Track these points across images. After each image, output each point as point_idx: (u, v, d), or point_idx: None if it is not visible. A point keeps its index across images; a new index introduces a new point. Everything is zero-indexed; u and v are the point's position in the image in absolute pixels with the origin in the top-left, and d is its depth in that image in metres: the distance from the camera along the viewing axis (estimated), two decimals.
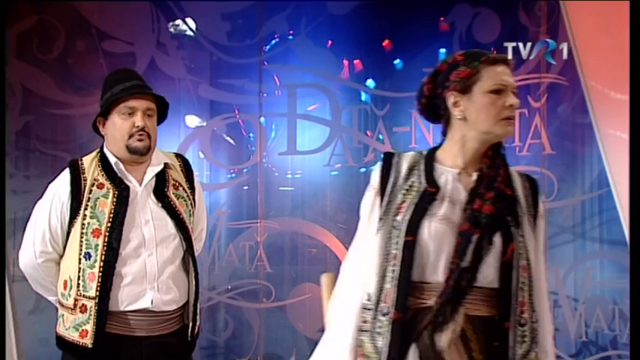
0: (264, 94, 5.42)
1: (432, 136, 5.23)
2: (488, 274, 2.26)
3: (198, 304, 3.09)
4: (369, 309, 2.31)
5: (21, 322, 4.35)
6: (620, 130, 4.71)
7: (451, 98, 2.32)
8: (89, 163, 3.03)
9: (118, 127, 2.98)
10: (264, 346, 5.34)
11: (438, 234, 2.26)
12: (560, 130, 5.10)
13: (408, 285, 2.25)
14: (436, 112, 2.40)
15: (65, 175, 3.02)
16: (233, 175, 5.56)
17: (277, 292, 5.35)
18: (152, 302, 2.96)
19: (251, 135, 5.48)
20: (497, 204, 2.26)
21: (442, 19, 5.22)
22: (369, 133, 5.36)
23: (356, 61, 5.35)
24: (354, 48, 5.35)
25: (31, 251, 3.03)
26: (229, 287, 5.40)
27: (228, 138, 5.51)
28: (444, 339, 2.21)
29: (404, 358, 2.24)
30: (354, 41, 5.33)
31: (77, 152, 4.75)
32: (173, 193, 3.06)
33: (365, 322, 2.32)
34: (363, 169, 5.38)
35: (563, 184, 5.07)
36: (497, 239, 2.25)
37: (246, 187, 5.49)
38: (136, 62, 5.28)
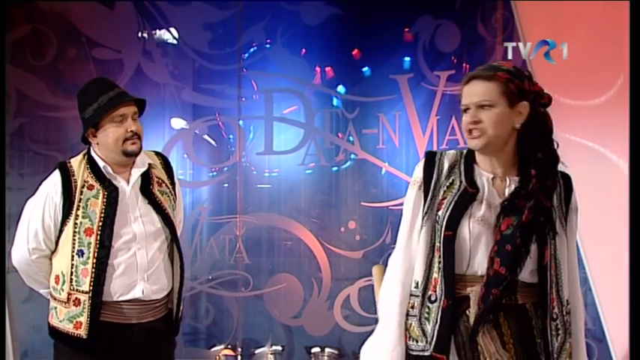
0: (243, 99, 5.42)
1: (397, 138, 5.28)
2: (523, 271, 2.27)
3: (182, 291, 3.11)
4: (416, 295, 2.32)
5: (15, 310, 4.31)
6: (569, 133, 4.77)
7: None
8: (77, 165, 3.01)
9: (112, 135, 2.96)
10: (242, 331, 5.34)
11: (475, 233, 2.27)
12: None
13: (454, 276, 2.27)
14: None
15: (56, 177, 2.99)
16: (214, 173, 5.57)
17: (255, 281, 5.36)
18: (143, 292, 2.96)
19: (231, 136, 5.48)
20: (534, 214, 2.24)
21: (407, 29, 5.26)
22: (340, 134, 5.39)
23: (328, 68, 5.37)
24: (326, 56, 5.37)
25: (24, 248, 3.00)
26: (210, 277, 5.40)
27: (209, 139, 5.51)
28: (479, 326, 2.23)
29: (451, 338, 2.26)
30: (326, 50, 5.35)
31: (68, 152, 4.73)
32: (158, 190, 3.06)
33: (412, 307, 2.33)
34: (334, 168, 5.43)
35: None
36: (533, 245, 2.26)
37: (226, 185, 5.50)
38: (123, 68, 5.29)
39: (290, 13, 5.31)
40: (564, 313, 2.29)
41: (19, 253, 3.01)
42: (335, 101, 5.43)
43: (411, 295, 2.34)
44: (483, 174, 2.33)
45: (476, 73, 2.31)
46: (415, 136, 5.22)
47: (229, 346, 5.33)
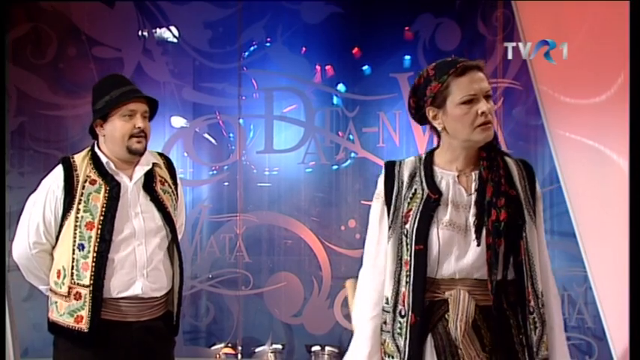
0: (243, 97, 5.42)
1: (398, 136, 5.27)
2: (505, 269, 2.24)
3: (182, 291, 3.10)
4: (387, 311, 2.29)
5: (16, 308, 4.31)
6: (569, 131, 4.78)
7: (430, 112, 2.28)
8: (81, 160, 3.01)
9: (119, 129, 2.97)
10: (242, 330, 5.35)
11: (445, 240, 2.22)
12: (515, 131, 5.14)
13: (423, 291, 2.23)
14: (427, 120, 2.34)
15: (58, 172, 3.00)
16: (214, 172, 5.56)
17: (255, 280, 5.36)
18: (142, 289, 2.96)
19: (231, 135, 5.48)
20: (508, 208, 2.20)
21: (407, 28, 5.26)
22: (340, 133, 5.39)
23: (328, 67, 5.37)
24: (326, 54, 5.37)
25: (25, 243, 3.01)
26: (210, 276, 5.40)
27: (209, 137, 5.51)
28: (458, 329, 2.20)
29: (422, 353, 2.23)
30: (327, 48, 5.35)
31: (68, 151, 4.72)
32: (160, 189, 3.07)
33: (385, 323, 2.30)
34: (334, 167, 5.42)
35: None
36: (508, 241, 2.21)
37: (226, 183, 5.49)
38: (123, 67, 5.29)
39: (290, 12, 5.32)
40: (540, 305, 2.24)
41: (20, 247, 3.02)
42: (335, 100, 5.43)
43: (384, 310, 2.30)
44: (447, 174, 2.28)
45: (480, 64, 2.27)
46: (415, 135, 5.20)
47: (229, 345, 5.34)
